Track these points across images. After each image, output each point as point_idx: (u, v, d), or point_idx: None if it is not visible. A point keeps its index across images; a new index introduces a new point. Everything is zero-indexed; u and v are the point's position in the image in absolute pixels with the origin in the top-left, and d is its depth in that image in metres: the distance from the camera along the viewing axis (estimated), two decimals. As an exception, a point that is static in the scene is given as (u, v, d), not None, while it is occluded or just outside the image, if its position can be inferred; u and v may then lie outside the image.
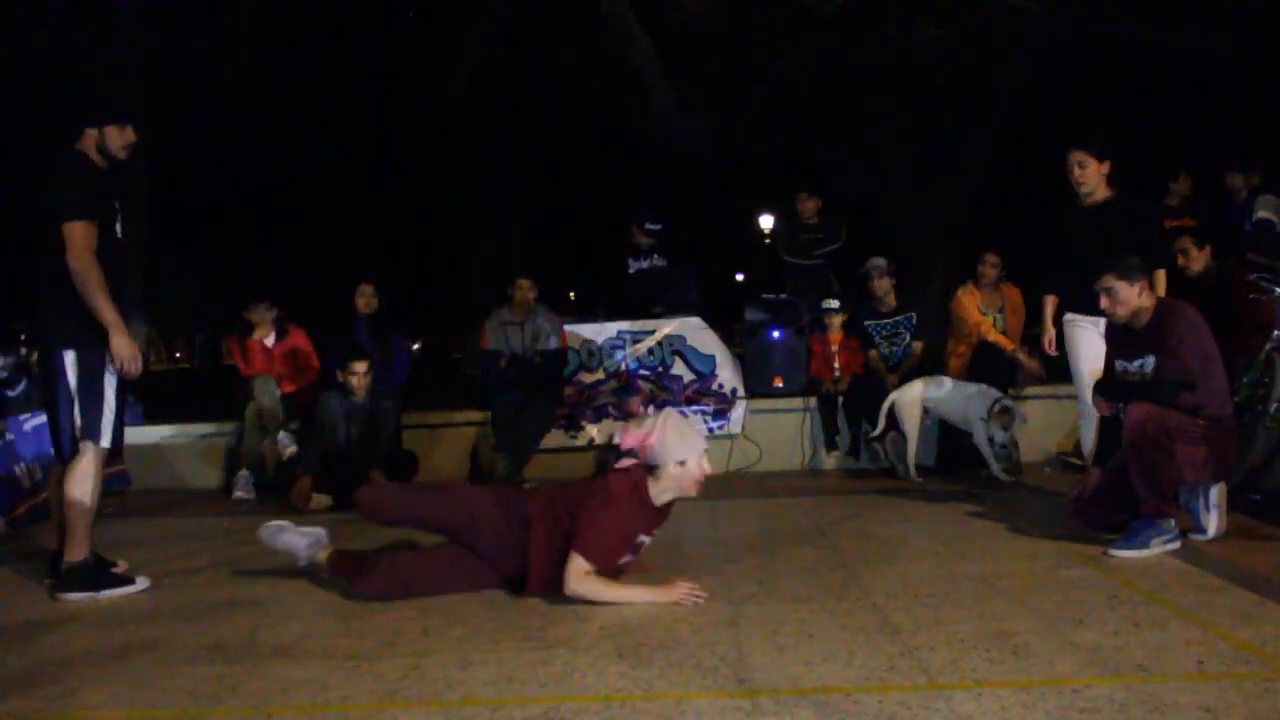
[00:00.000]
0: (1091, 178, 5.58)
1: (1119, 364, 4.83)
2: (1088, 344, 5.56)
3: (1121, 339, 4.82)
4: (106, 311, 4.29)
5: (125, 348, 4.33)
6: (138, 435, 8.21)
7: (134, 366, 4.37)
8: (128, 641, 3.57)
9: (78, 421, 4.39)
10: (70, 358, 4.37)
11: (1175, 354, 4.51)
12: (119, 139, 4.51)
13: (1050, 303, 5.90)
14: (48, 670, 3.44)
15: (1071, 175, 5.62)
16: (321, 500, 6.58)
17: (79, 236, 4.27)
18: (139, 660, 3.44)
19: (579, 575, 3.89)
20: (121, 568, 4.64)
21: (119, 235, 4.54)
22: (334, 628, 3.81)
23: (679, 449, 4.01)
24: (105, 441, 4.42)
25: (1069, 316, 5.78)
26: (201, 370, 26.95)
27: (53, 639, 3.81)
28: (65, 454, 4.46)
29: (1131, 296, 4.65)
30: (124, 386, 4.53)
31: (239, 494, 7.31)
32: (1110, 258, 4.72)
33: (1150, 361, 4.62)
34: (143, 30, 12.06)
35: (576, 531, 3.94)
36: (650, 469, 4.06)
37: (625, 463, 4.10)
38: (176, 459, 8.17)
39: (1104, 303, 4.71)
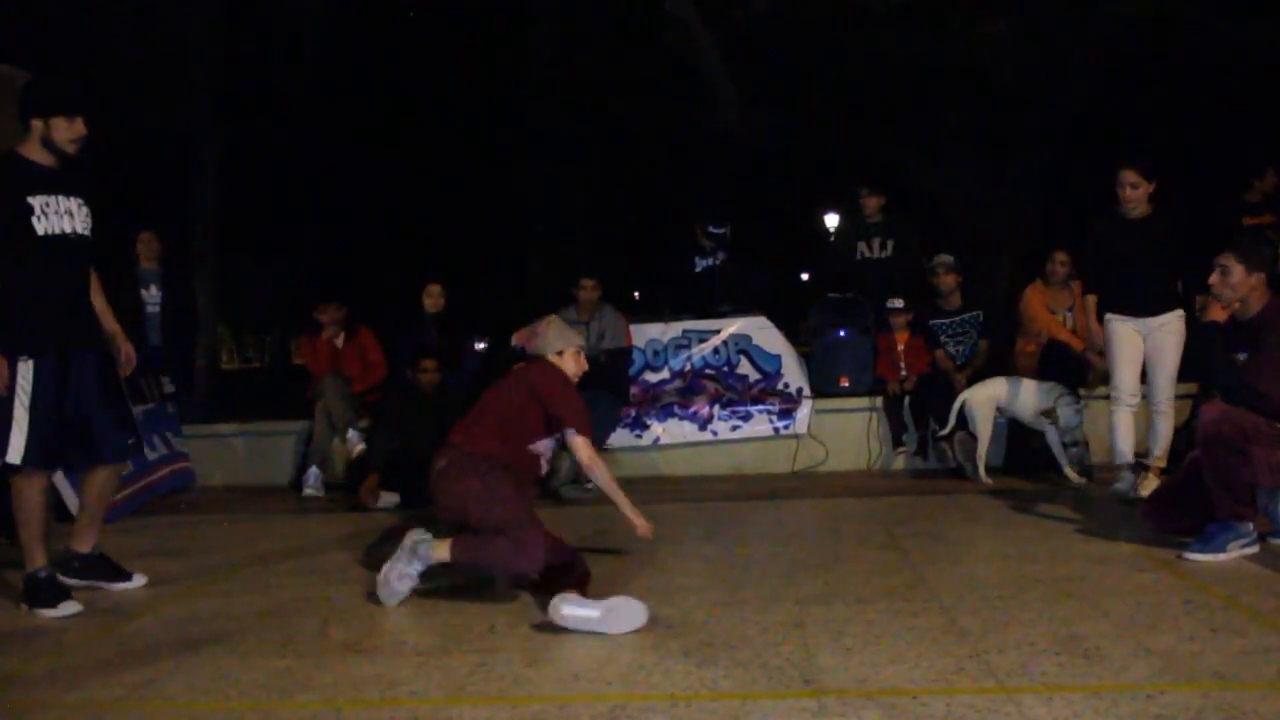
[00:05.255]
0: (1140, 197, 5.72)
1: (1226, 356, 4.72)
2: (1130, 343, 5.82)
3: (1231, 331, 4.71)
4: None
5: None
6: (210, 433, 8.42)
7: None
8: (203, 635, 3.66)
9: None
10: None
11: (1259, 357, 4.40)
12: (67, 131, 4.20)
13: (1092, 302, 6.01)
14: (126, 661, 3.54)
15: (1121, 193, 5.75)
16: (390, 498, 6.67)
17: None
18: (213, 653, 3.53)
19: (590, 448, 4.23)
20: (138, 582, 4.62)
21: (70, 232, 4.24)
22: (402, 624, 3.87)
23: (557, 341, 4.43)
24: (14, 458, 4.13)
25: (1108, 316, 5.90)
26: (272, 370, 27.40)
27: (131, 631, 3.91)
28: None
29: (1244, 282, 4.53)
30: (47, 400, 4.21)
31: (309, 491, 7.43)
32: (1241, 238, 4.67)
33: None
34: (211, 36, 12.26)
35: (556, 415, 4.18)
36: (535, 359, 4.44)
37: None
38: (248, 457, 8.34)
39: (1213, 278, 4.59)
